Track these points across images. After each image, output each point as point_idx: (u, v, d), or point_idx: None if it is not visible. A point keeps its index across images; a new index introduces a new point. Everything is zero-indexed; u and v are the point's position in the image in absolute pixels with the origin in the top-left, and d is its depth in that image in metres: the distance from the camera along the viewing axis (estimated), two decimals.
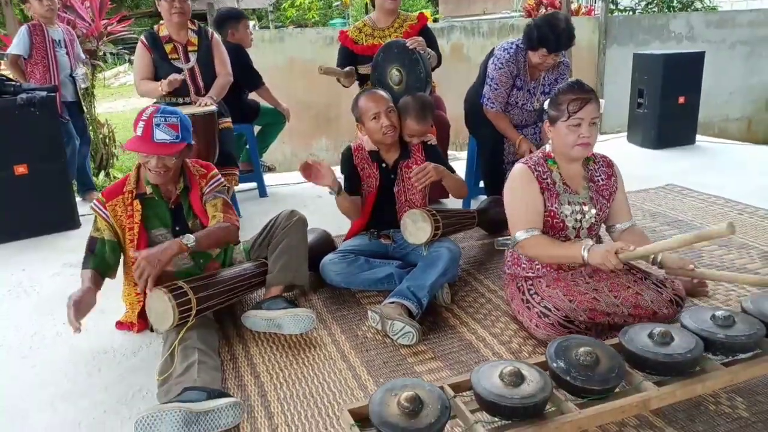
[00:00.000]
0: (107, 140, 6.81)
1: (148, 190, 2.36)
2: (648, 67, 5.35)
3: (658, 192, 4.07)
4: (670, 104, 5.28)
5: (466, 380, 1.72)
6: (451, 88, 4.61)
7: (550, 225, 2.25)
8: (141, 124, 2.24)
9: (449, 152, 4.07)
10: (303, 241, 2.55)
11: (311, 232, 2.88)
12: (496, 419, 1.63)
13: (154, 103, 3.12)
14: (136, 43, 3.51)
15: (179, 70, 3.39)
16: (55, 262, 3.27)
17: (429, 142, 2.87)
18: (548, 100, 2.25)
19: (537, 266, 2.29)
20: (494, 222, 3.24)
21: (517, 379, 1.60)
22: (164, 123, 2.25)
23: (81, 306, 2.16)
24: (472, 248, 3.22)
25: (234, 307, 2.58)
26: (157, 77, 3.42)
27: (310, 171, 2.61)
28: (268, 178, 4.55)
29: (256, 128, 4.33)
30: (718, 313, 1.88)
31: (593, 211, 2.29)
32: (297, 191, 4.45)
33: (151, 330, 2.42)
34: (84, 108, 4.53)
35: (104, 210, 2.35)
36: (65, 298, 2.17)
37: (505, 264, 2.45)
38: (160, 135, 2.24)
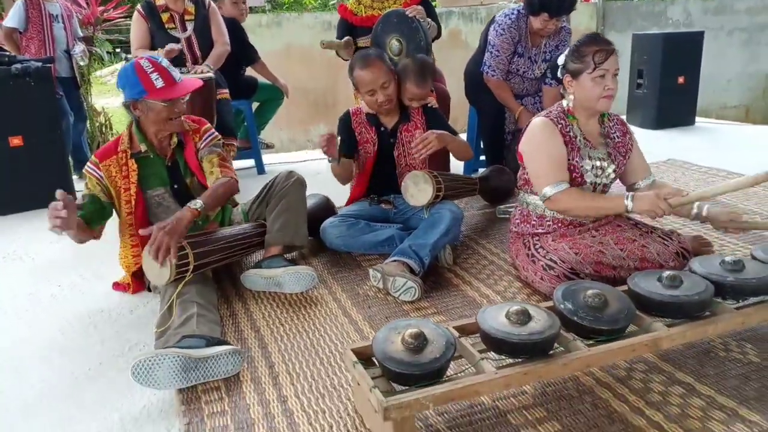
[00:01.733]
0: (104, 128, 6.75)
1: (143, 148, 2.30)
2: (647, 48, 5.32)
3: (659, 166, 4.04)
4: (669, 85, 5.26)
5: (471, 323, 1.68)
6: (449, 73, 4.54)
7: (571, 180, 2.18)
8: (155, 75, 2.18)
9: None
10: (302, 201, 2.51)
11: (311, 197, 2.84)
12: (503, 358, 1.59)
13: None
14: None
15: (176, 40, 3.35)
16: (51, 233, 3.20)
17: (429, 105, 2.83)
18: (565, 54, 2.17)
19: (548, 222, 2.25)
20: (495, 191, 3.20)
21: (524, 317, 1.57)
22: (167, 64, 2.25)
23: (64, 214, 1.99)
24: (473, 217, 3.18)
25: (233, 268, 2.54)
26: (153, 47, 3.38)
27: (333, 141, 2.57)
28: (267, 156, 4.50)
29: (255, 106, 4.28)
30: (728, 258, 1.84)
31: (612, 167, 2.24)
32: (296, 169, 4.37)
33: (149, 290, 2.38)
34: (80, 83, 4.47)
35: (98, 171, 2.29)
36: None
37: (511, 223, 2.41)
38: (177, 74, 2.24)
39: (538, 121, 2.21)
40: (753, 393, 1.62)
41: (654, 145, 4.73)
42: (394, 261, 2.34)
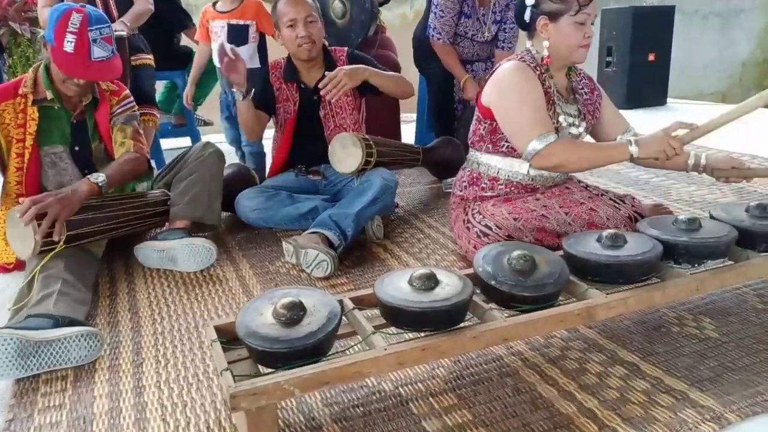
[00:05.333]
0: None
1: (48, 95, 1.97)
2: (616, 23, 5.07)
3: None
4: (639, 62, 5.01)
5: (371, 293, 1.38)
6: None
7: None
8: (71, 38, 1.83)
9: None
10: (217, 175, 2.20)
11: (228, 167, 2.53)
12: (402, 332, 1.29)
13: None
14: None
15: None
16: None
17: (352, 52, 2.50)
18: None
19: (501, 186, 1.94)
20: (442, 163, 2.90)
21: (429, 282, 1.27)
22: (101, 37, 1.89)
23: None
24: (418, 192, 2.89)
25: (132, 242, 2.21)
26: None
27: (238, 64, 2.21)
28: (205, 135, 4.16)
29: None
30: (682, 216, 1.56)
31: (583, 125, 1.95)
32: None
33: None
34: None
35: None
36: None
37: (455, 186, 2.08)
38: (99, 53, 1.88)
39: (510, 65, 1.85)
40: (707, 373, 1.34)
41: None
42: (311, 233, 2.03)
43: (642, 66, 5.02)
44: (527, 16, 1.84)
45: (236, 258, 2.13)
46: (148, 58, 3.18)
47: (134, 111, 2.15)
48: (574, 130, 1.90)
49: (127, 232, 2.05)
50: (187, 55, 3.81)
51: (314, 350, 1.15)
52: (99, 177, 1.89)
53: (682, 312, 1.61)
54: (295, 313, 1.19)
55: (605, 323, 1.55)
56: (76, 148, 2.06)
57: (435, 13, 2.99)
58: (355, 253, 2.13)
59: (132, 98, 2.17)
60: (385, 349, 1.16)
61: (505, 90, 1.84)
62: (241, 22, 2.83)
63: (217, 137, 4.44)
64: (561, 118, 1.86)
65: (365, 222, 2.18)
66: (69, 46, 1.84)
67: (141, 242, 2.09)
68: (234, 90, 2.29)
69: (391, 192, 2.29)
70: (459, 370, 1.40)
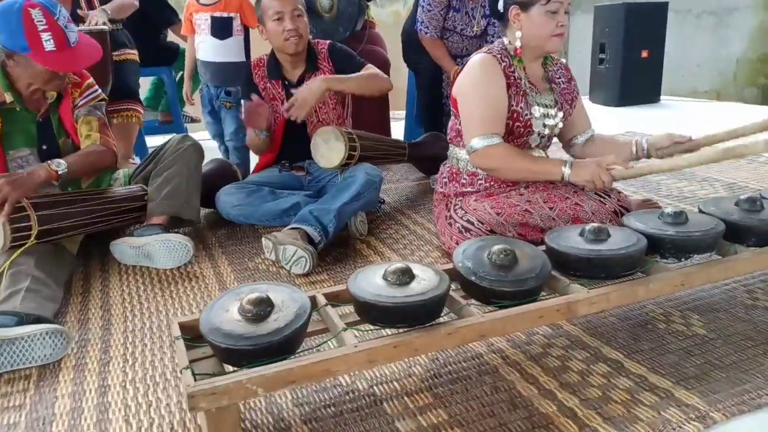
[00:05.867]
0: None
1: (8, 98, 1.90)
2: (609, 19, 5.03)
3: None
4: (632, 59, 4.97)
5: (345, 289, 1.33)
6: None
7: (510, 129, 1.84)
8: (46, 35, 1.76)
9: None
10: (196, 169, 2.15)
11: (209, 162, 2.48)
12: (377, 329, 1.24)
13: None
14: None
15: None
16: None
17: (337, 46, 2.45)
18: None
19: (480, 181, 1.90)
20: (429, 159, 2.85)
21: (405, 277, 1.22)
22: (66, 20, 1.83)
23: None
24: (406, 188, 2.85)
25: (110, 238, 2.14)
26: None
27: (263, 111, 2.25)
28: (193, 132, 4.10)
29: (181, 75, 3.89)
30: (668, 209, 1.52)
31: (560, 115, 1.92)
32: None
33: None
34: None
35: None
36: None
37: (437, 183, 2.06)
38: (73, 36, 1.84)
39: (478, 57, 1.84)
40: (693, 370, 1.29)
41: (616, 122, 4.42)
42: (291, 229, 1.98)
43: (635, 63, 4.98)
44: (500, 6, 1.81)
45: (215, 255, 2.08)
46: (133, 54, 3.12)
47: (99, 101, 2.07)
48: (549, 121, 1.87)
49: (103, 228, 1.99)
50: (174, 51, 3.76)
51: (280, 347, 1.10)
52: (60, 165, 1.83)
53: (670, 308, 1.56)
54: (261, 309, 1.14)
55: (590, 320, 1.51)
56: (44, 147, 1.98)
57: (423, 7, 2.94)
58: (337, 249, 2.08)
59: (96, 87, 2.10)
60: (356, 346, 1.11)
61: (464, 84, 1.85)
62: (225, 15, 2.78)
63: (203, 134, 4.39)
64: (534, 110, 1.83)
65: (348, 218, 2.13)
66: (50, 45, 1.78)
67: (118, 238, 2.03)
68: (251, 129, 2.29)
69: (375, 187, 2.23)
70: (437, 368, 1.35)
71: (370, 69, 2.37)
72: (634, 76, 5.00)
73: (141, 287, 1.83)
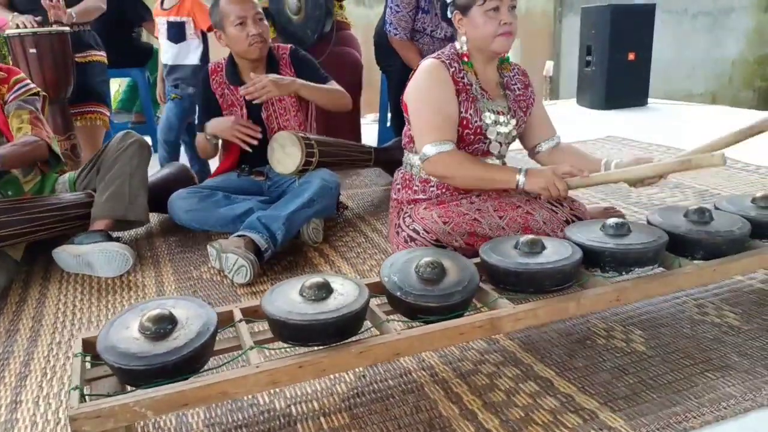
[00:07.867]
0: None
1: None
2: (596, 21, 4.96)
3: (596, 143, 3.66)
4: (619, 61, 4.90)
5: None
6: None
7: (460, 136, 1.79)
8: None
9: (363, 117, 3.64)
10: (141, 167, 2.10)
11: (167, 166, 2.44)
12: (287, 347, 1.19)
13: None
14: None
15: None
16: None
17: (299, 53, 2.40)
18: None
19: (432, 189, 1.85)
20: (398, 163, 2.80)
21: (321, 292, 1.17)
22: None
23: None
24: (371, 193, 2.80)
25: (57, 244, 2.10)
26: (12, 6, 2.91)
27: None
28: None
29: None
30: (611, 221, 1.46)
31: (513, 122, 1.86)
32: None
33: None
34: None
35: None
36: None
37: (392, 189, 2.01)
38: None
39: (425, 63, 1.80)
40: (624, 390, 1.23)
41: (601, 125, 4.36)
42: (237, 236, 1.93)
43: (622, 65, 4.91)
44: (448, 12, 1.77)
45: (161, 263, 2.03)
46: (99, 55, 3.08)
47: (30, 95, 2.03)
48: (501, 129, 1.81)
49: (46, 236, 1.95)
50: (148, 51, 3.72)
51: (176, 368, 1.05)
52: None
53: (613, 322, 1.50)
54: (162, 326, 1.09)
55: (528, 334, 1.45)
56: None
57: (391, 8, 2.89)
58: (288, 257, 2.03)
59: (28, 81, 2.06)
60: (257, 367, 1.06)
61: (411, 90, 1.81)
62: (178, 19, 2.77)
63: None
64: (485, 116, 1.77)
65: (300, 225, 2.08)
66: None
67: (62, 245, 1.99)
68: (208, 134, 2.28)
69: (331, 194, 2.18)
70: (361, 387, 1.30)
71: (334, 85, 2.34)
72: (621, 79, 4.93)
73: (78, 296, 1.79)
